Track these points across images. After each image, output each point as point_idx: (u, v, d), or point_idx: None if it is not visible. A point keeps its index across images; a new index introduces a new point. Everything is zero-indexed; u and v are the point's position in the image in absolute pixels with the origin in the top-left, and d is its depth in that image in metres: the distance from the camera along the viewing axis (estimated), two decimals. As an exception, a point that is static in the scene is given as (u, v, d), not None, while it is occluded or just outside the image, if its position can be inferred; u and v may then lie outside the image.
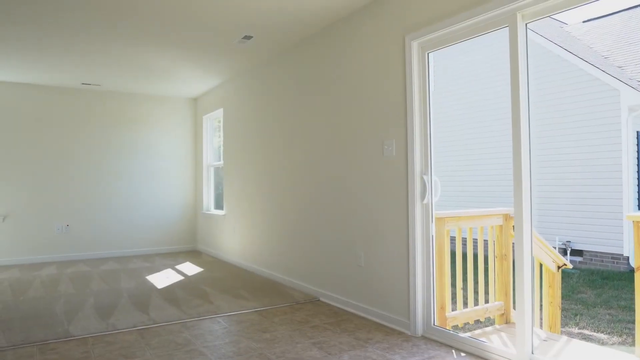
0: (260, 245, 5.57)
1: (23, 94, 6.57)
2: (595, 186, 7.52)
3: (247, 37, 4.63)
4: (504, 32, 2.80)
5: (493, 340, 3.39)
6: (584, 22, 11.34)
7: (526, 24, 2.71)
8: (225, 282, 5.14)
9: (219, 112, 6.96)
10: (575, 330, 4.57)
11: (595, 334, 4.46)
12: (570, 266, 3.98)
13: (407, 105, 3.36)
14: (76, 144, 6.89)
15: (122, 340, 3.23)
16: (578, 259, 7.79)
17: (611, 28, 10.07)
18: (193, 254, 7.27)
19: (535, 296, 3.27)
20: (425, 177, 3.28)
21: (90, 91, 7.00)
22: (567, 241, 7.89)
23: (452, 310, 3.56)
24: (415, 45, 3.35)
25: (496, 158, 8.75)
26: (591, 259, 7.68)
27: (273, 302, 4.20)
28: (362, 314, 3.79)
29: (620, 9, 10.39)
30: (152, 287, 4.89)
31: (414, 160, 3.30)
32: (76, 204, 6.86)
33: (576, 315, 4.97)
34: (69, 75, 6.16)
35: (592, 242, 7.63)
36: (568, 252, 7.82)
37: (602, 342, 4.17)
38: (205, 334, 3.35)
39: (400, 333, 3.33)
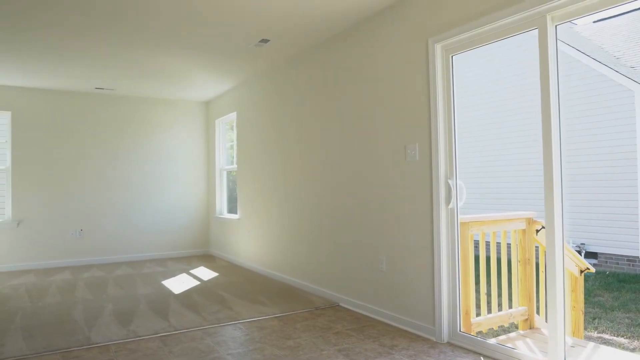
0: (277, 249, 5.53)
1: (37, 99, 6.57)
2: (609, 187, 7.45)
3: (264, 41, 4.61)
4: (524, 34, 2.76)
5: (518, 346, 3.35)
6: (594, 22, 11.27)
7: (556, 26, 2.67)
8: (242, 287, 5.11)
9: (232, 116, 6.94)
10: (595, 334, 4.50)
11: (615, 338, 4.40)
12: (593, 270, 3.93)
13: (431, 108, 3.32)
14: (89, 149, 6.89)
15: (145, 347, 3.20)
16: (593, 261, 7.72)
17: (621, 28, 10.00)
18: (206, 258, 7.25)
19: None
20: (450, 182, 3.24)
21: (103, 95, 7.00)
22: (582, 243, 7.82)
23: (476, 315, 3.51)
24: (438, 48, 3.31)
25: (517, 160, 8.66)
26: (606, 262, 7.61)
27: (293, 307, 4.17)
28: (385, 320, 3.75)
29: (630, 10, 10.32)
30: (169, 293, 4.87)
31: (439, 165, 3.26)
32: (90, 209, 6.85)
33: (594, 319, 4.91)
34: (82, 80, 6.16)
35: (607, 244, 7.56)
36: (582, 254, 7.74)
37: (622, 347, 4.11)
38: (228, 340, 3.32)
39: (425, 339, 3.28)
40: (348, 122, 4.25)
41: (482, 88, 9.46)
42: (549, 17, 2.63)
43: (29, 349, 3.19)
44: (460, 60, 9.43)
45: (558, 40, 2.69)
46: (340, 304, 4.27)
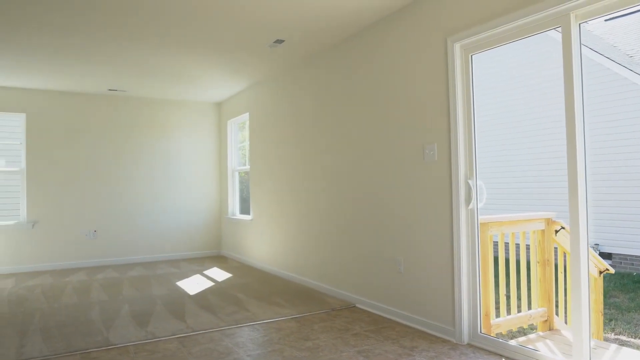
0: (290, 250, 5.53)
1: (51, 100, 6.61)
2: (624, 187, 7.37)
3: (279, 41, 4.60)
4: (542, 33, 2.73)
5: (539, 348, 3.31)
6: (606, 20, 11.17)
7: (579, 24, 2.64)
8: (256, 288, 5.10)
9: (245, 117, 6.94)
10: (612, 335, 4.46)
11: (632, 339, 4.35)
12: (612, 271, 3.88)
13: (450, 108, 3.30)
14: (103, 150, 6.92)
15: (164, 349, 3.20)
16: (607, 262, 7.64)
17: (634, 27, 9.89)
18: (219, 259, 7.26)
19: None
20: (470, 182, 3.21)
21: (116, 97, 7.03)
22: (595, 244, 7.75)
23: (496, 317, 3.48)
24: (457, 48, 3.29)
25: (535, 160, 8.54)
26: (620, 262, 7.53)
27: (309, 308, 4.16)
28: (403, 321, 3.72)
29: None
30: (184, 294, 4.87)
31: (459, 165, 3.23)
32: (103, 210, 6.88)
33: (611, 320, 4.86)
34: (95, 82, 6.19)
35: (621, 244, 7.48)
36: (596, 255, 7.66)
37: (640, 348, 4.06)
38: (246, 342, 3.31)
39: (445, 341, 3.26)
40: (365, 123, 4.24)
41: (500, 86, 9.35)
42: (572, 16, 2.60)
43: (49, 350, 3.20)
44: (477, 58, 9.31)
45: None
46: (357, 305, 4.25)
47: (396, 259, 3.82)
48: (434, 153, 3.44)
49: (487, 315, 3.31)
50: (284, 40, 4.59)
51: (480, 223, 3.28)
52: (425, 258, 3.54)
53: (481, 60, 9.31)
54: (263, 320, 3.83)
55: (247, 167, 6.90)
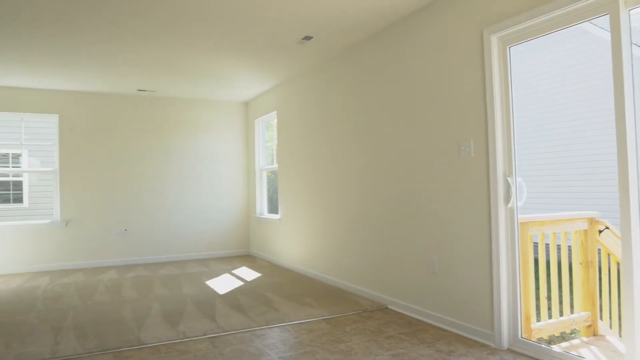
0: (320, 249, 5.46)
1: (81, 102, 6.72)
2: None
3: (307, 38, 4.54)
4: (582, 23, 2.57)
5: (584, 354, 3.15)
6: (629, 10, 10.67)
7: (629, 11, 2.48)
8: (286, 287, 5.05)
9: (272, 115, 6.91)
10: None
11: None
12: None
13: (487, 103, 3.17)
14: (133, 150, 7.00)
15: (195, 349, 3.17)
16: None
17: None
18: (247, 259, 7.25)
19: (617, 304, 2.98)
20: (509, 179, 3.07)
21: (145, 97, 7.10)
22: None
23: (537, 321, 3.33)
24: (494, 40, 3.15)
25: (577, 157, 8.19)
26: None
27: (340, 309, 4.07)
28: (438, 324, 3.60)
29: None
30: (214, 293, 4.86)
31: (497, 161, 3.10)
32: (133, 209, 6.96)
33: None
34: (124, 82, 6.25)
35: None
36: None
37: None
38: (277, 343, 3.26)
39: (483, 345, 3.13)
40: (396, 119, 4.13)
41: (541, 80, 8.98)
42: (621, 1, 2.45)
43: (83, 348, 3.21)
44: (517, 50, 8.96)
45: (604, 30, 2.50)
46: (389, 306, 4.15)
47: (430, 259, 3.70)
48: (470, 149, 3.31)
49: (527, 319, 3.17)
50: (312, 37, 4.52)
51: (520, 222, 3.14)
52: (461, 258, 3.41)
53: (524, 51, 8.96)
54: (294, 321, 3.77)
55: (275, 166, 6.87)
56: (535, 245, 7.07)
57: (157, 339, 3.37)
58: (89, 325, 3.76)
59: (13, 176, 10.73)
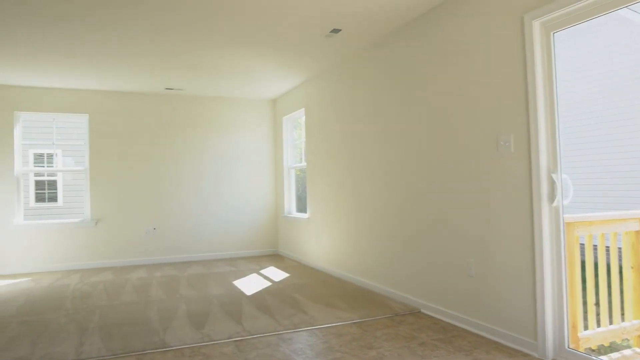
0: (349, 250, 5.29)
1: (111, 101, 6.74)
2: None
3: (335, 31, 4.38)
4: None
5: (638, 366, 2.89)
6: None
7: (693, -12, 2.22)
8: (314, 289, 4.91)
9: (300, 113, 6.78)
10: None
11: None
12: None
13: (529, 94, 2.94)
14: (161, 149, 6.99)
15: (220, 353, 3.06)
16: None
17: None
18: (275, 258, 7.15)
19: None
20: (553, 176, 2.84)
21: (173, 96, 7.08)
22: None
23: (584, 329, 3.08)
24: (537, 25, 2.92)
25: (630, 151, 7.69)
26: None
27: (370, 313, 3.90)
28: (475, 330, 3.39)
29: None
30: (241, 294, 4.76)
31: (539, 156, 2.87)
32: (162, 208, 6.95)
33: None
34: (152, 81, 6.23)
35: None
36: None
37: None
38: (305, 348, 3.11)
39: (525, 355, 2.91)
40: (430, 114, 3.93)
41: (590, 69, 8.49)
42: (685, -23, 2.20)
43: (107, 349, 3.15)
44: (561, 38, 8.47)
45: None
46: (422, 310, 3.96)
47: (466, 261, 3.49)
48: (510, 144, 3.09)
49: (574, 327, 2.93)
50: (340, 30, 4.36)
51: (566, 223, 2.90)
52: (500, 261, 3.19)
53: (568, 38, 8.52)
54: (322, 324, 3.62)
55: (304, 164, 6.74)
56: (582, 247, 6.66)
57: (182, 342, 3.28)
58: (114, 326, 3.71)
59: (48, 175, 10.97)
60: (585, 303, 3.20)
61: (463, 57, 3.52)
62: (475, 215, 3.40)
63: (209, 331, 3.51)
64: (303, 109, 6.59)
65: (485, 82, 3.31)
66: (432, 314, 3.82)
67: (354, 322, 3.66)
